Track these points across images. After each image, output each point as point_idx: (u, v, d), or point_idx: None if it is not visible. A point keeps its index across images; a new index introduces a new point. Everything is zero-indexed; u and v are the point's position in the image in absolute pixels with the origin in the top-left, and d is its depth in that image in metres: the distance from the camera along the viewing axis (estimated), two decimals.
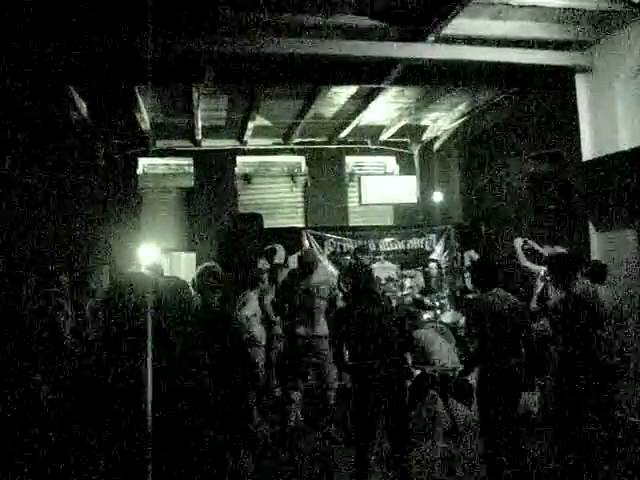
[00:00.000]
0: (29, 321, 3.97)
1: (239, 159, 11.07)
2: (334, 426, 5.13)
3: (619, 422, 4.29)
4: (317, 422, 5.37)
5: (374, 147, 11.37)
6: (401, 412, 3.95)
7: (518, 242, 6.10)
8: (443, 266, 9.22)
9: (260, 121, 9.55)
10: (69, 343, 5.01)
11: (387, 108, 9.38)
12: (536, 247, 6.01)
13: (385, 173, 11.74)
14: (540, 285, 5.54)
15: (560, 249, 5.23)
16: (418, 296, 8.11)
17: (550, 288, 5.17)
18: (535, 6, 5.87)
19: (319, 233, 9.23)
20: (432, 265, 8.64)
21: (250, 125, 9.54)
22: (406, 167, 11.63)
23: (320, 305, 5.20)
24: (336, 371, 5.19)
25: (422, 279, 8.54)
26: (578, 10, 6.05)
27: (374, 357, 3.85)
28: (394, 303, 7.03)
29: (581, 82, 7.04)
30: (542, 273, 5.58)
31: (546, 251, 5.72)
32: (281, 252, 7.82)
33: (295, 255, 8.84)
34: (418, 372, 5.39)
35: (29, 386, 3.53)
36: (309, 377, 5.50)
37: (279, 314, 5.99)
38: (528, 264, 5.91)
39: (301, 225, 10.76)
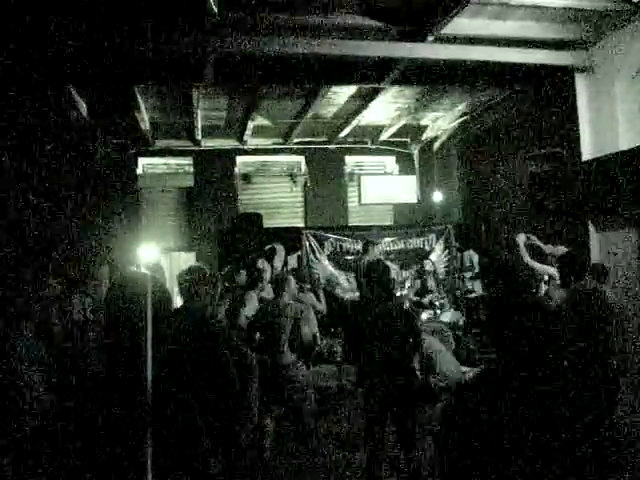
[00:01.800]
0: (22, 323, 3.94)
1: (239, 159, 11.07)
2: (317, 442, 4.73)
3: (620, 422, 4.29)
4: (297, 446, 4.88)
5: (374, 147, 11.37)
6: (408, 413, 3.93)
7: (521, 238, 5.93)
8: (442, 265, 9.22)
9: (260, 121, 9.55)
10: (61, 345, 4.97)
11: (387, 108, 9.38)
12: (539, 244, 5.92)
13: (385, 173, 11.74)
14: (544, 287, 5.49)
15: (563, 248, 5.18)
16: (414, 297, 8.10)
17: (552, 290, 5.16)
18: (535, 6, 5.87)
19: (319, 233, 9.23)
20: (426, 262, 8.63)
21: (250, 125, 9.54)
22: (406, 167, 11.63)
23: (286, 327, 4.70)
24: (312, 396, 4.78)
25: (418, 280, 8.52)
26: (578, 10, 6.05)
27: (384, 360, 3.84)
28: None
29: (581, 82, 7.05)
30: (546, 277, 5.49)
31: (549, 249, 5.65)
32: (281, 252, 7.81)
33: (295, 255, 8.90)
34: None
35: (21, 391, 3.50)
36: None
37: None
38: (531, 262, 5.80)
39: (301, 225, 10.75)
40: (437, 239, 9.60)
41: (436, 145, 11.27)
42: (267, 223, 9.64)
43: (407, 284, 8.31)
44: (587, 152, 6.96)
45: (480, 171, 9.91)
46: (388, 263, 8.42)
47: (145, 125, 9.15)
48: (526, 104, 8.24)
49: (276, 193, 11.31)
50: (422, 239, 9.59)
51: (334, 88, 8.09)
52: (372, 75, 7.33)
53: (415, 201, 11.17)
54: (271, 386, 4.65)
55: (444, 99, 9.10)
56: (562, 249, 5.10)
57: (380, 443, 3.89)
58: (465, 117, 9.78)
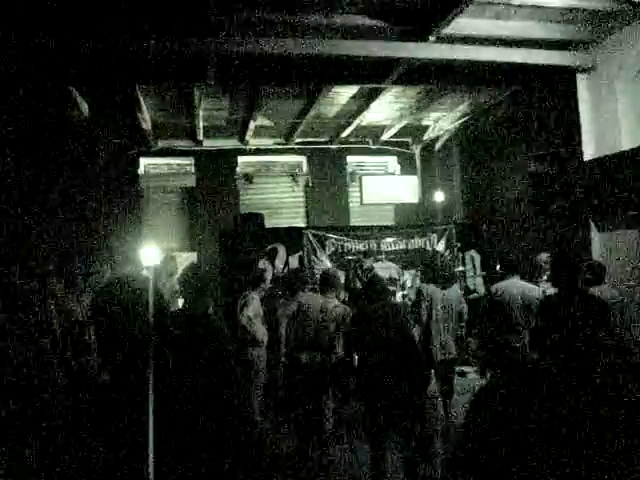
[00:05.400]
0: (21, 324, 3.95)
1: (240, 159, 11.08)
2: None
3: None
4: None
5: (375, 147, 11.37)
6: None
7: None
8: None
9: (261, 121, 9.56)
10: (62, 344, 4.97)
11: (388, 108, 9.38)
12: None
13: (386, 173, 11.74)
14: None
15: (546, 255, 5.26)
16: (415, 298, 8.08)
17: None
18: (536, 6, 5.87)
19: (320, 233, 9.22)
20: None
21: (251, 125, 9.54)
22: (407, 167, 11.63)
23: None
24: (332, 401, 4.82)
25: (418, 280, 8.50)
26: (579, 10, 6.05)
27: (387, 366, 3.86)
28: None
29: (582, 82, 7.04)
30: (545, 277, 5.53)
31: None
32: (282, 252, 7.81)
33: (296, 255, 8.90)
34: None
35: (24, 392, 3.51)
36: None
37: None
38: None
39: (302, 225, 10.75)
40: (439, 239, 9.59)
41: (437, 145, 11.27)
42: (268, 223, 9.65)
43: (408, 284, 8.30)
44: (588, 152, 6.96)
45: (481, 171, 9.90)
46: (389, 263, 8.49)
47: (147, 125, 9.16)
48: (527, 104, 8.23)
49: (277, 193, 11.31)
50: (424, 239, 9.58)
51: (335, 88, 8.09)
52: (373, 75, 7.33)
53: (416, 201, 11.17)
54: (295, 385, 4.72)
55: (445, 99, 9.10)
56: (545, 256, 5.18)
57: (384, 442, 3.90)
58: (466, 117, 9.78)
